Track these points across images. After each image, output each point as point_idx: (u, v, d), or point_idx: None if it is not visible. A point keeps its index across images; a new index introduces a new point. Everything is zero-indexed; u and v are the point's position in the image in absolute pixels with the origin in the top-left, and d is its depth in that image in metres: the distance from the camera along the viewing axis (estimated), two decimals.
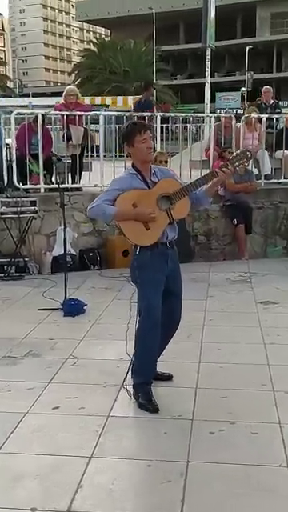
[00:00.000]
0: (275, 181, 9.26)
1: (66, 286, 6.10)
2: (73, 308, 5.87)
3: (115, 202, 3.66)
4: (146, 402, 3.74)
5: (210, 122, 9.43)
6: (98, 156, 8.99)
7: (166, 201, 3.69)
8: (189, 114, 10.00)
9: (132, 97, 14.04)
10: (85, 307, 5.98)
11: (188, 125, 10.47)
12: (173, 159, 9.46)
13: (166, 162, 7.95)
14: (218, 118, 9.83)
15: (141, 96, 11.41)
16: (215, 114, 10.18)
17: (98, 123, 8.96)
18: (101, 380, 4.19)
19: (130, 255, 3.91)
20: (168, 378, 4.18)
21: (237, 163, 3.79)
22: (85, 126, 8.86)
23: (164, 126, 10.65)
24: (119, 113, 9.23)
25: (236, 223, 8.50)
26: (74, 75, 51.02)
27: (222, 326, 5.50)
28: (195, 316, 5.74)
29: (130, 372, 3.94)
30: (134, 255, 3.76)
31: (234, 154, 3.89)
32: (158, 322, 3.77)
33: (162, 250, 3.74)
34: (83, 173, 8.81)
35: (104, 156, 8.61)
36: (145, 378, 3.83)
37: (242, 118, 9.41)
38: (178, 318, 4.03)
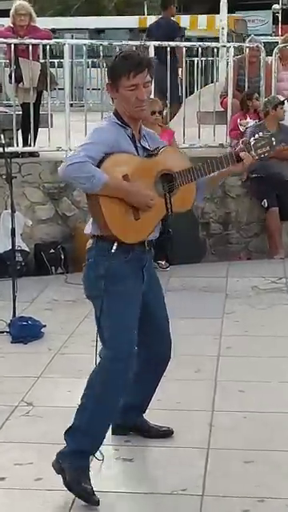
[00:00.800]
0: None
1: (14, 297, 6.09)
2: (25, 331, 5.88)
3: (101, 166, 3.52)
4: (80, 487, 3.54)
5: (228, 54, 9.45)
6: (61, 105, 8.98)
7: (165, 182, 3.66)
8: (196, 44, 10.00)
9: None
10: (42, 329, 5.97)
11: (195, 59, 10.51)
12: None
13: (161, 113, 7.94)
14: (238, 50, 9.86)
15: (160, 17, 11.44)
16: (235, 44, 10.19)
17: (61, 57, 8.98)
18: None
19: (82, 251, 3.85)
20: (166, 434, 4.18)
21: (260, 150, 3.74)
22: (42, 61, 8.84)
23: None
24: (93, 41, 9.17)
25: (266, 205, 8.55)
26: None
27: (244, 356, 5.52)
28: (207, 342, 5.75)
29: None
30: (95, 254, 3.68)
31: (257, 136, 3.79)
32: (131, 363, 3.67)
33: (138, 252, 3.69)
34: (40, 130, 8.81)
35: (71, 105, 8.62)
36: (91, 444, 3.65)
37: (275, 50, 9.46)
38: (167, 352, 4.04)
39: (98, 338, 3.71)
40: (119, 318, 3.64)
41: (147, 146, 3.69)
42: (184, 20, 22.59)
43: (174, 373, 5.10)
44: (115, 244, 3.60)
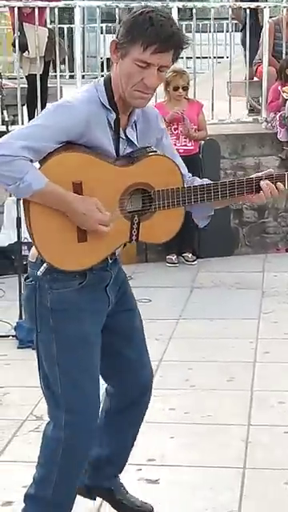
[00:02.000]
0: None
1: (20, 297, 6.09)
2: (33, 335, 5.83)
3: (45, 164, 2.96)
4: None
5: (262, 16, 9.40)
6: (72, 77, 8.98)
7: (137, 198, 3.13)
8: (226, 4, 9.95)
9: None
10: None
11: (225, 22, 10.45)
12: (198, 82, 9.44)
13: (186, 89, 7.90)
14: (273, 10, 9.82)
15: None
16: (271, 4, 10.11)
17: (72, 22, 8.97)
18: None
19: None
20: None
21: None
22: (50, 27, 8.84)
23: (184, 23, 10.67)
24: (109, 3, 9.14)
25: None
26: None
27: (285, 363, 5.49)
28: (240, 347, 5.74)
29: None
30: (38, 276, 3.10)
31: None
32: (94, 424, 3.24)
33: (99, 272, 3.18)
34: (48, 105, 8.78)
35: (83, 77, 8.61)
36: None
37: None
38: (146, 390, 3.49)
39: (44, 392, 3.29)
40: (74, 369, 3.14)
41: (134, 139, 3.12)
42: None
43: (204, 382, 5.14)
44: (44, 265, 3.07)
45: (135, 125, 3.13)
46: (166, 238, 3.21)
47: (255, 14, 9.60)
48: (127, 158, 3.08)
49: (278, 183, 3.18)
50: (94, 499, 3.65)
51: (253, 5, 9.59)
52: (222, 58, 12.84)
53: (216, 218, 8.50)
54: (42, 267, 3.06)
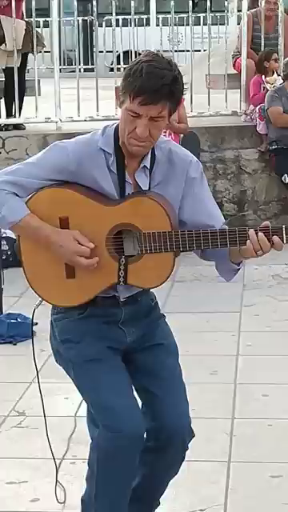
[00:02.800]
0: None
1: (0, 292, 6.07)
2: (14, 329, 5.87)
3: (33, 197, 3.02)
4: None
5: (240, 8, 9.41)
6: (50, 70, 8.94)
7: (129, 241, 3.09)
8: None
9: None
10: (34, 328, 5.92)
11: (201, 15, 10.43)
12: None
13: None
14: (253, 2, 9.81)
15: None
16: None
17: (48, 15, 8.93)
18: (63, 452, 4.15)
19: None
20: None
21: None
22: (27, 20, 8.78)
23: (161, 16, 10.66)
24: None
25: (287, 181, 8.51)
26: None
27: (268, 355, 5.50)
28: (223, 340, 5.75)
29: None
30: (51, 325, 3.23)
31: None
32: (137, 441, 3.09)
33: (106, 307, 3.14)
34: (26, 99, 8.79)
35: (60, 71, 8.57)
36: None
37: None
38: (173, 434, 3.21)
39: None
40: (94, 390, 3.12)
41: (145, 185, 3.06)
42: None
43: (187, 375, 5.04)
44: (39, 301, 3.15)
45: (150, 171, 3.07)
46: (156, 283, 3.10)
47: None
48: (132, 189, 3.06)
49: (274, 236, 3.06)
50: None
51: None
52: (199, 51, 12.83)
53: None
54: (38, 301, 3.12)
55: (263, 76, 8.85)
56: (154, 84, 2.88)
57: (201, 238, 3.06)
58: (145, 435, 3.15)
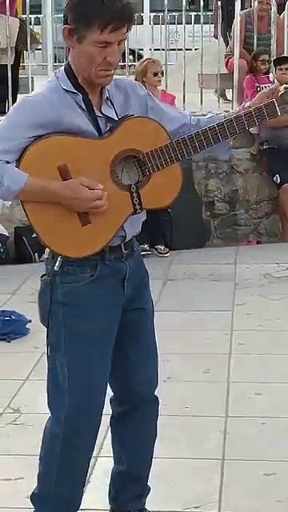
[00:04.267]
0: None
1: None
2: (7, 327, 5.87)
3: (23, 159, 2.93)
4: None
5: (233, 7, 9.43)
6: (43, 67, 8.92)
7: (131, 167, 3.06)
8: None
9: None
10: (28, 325, 5.95)
11: (192, 14, 10.42)
12: (170, 72, 9.45)
13: (161, 74, 7.96)
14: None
15: None
16: None
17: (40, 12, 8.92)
18: None
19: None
20: None
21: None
22: (21, 17, 8.79)
23: (152, 14, 10.66)
24: None
25: (279, 181, 8.54)
26: None
27: (260, 354, 5.52)
28: (215, 339, 5.76)
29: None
30: (51, 270, 3.07)
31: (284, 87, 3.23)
32: (100, 416, 3.20)
33: (113, 263, 3.10)
34: (19, 96, 8.73)
35: (55, 67, 8.54)
36: (65, 509, 3.31)
37: None
38: (152, 391, 3.39)
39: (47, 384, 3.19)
40: (84, 369, 3.09)
41: (113, 115, 3.03)
42: None
43: (180, 374, 5.15)
44: (58, 260, 3.03)
45: (110, 101, 3.05)
46: (171, 197, 3.09)
47: None
48: (106, 123, 3.02)
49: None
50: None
51: None
52: (190, 50, 12.84)
53: (188, 211, 8.53)
54: (58, 262, 3.01)
55: (255, 76, 8.87)
56: (118, 7, 2.83)
57: (202, 137, 3.04)
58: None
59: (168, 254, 7.91)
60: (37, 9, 10.91)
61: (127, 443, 3.40)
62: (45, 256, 3.18)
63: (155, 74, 7.87)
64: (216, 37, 10.15)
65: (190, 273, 7.40)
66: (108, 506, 3.56)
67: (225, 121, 3.07)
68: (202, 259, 7.88)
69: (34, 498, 3.38)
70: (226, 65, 9.64)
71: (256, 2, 9.50)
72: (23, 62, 9.25)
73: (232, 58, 9.34)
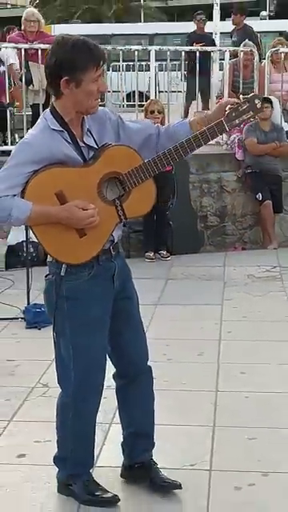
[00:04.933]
0: None
1: (28, 286, 6.06)
2: (39, 317, 5.83)
3: (26, 190, 2.97)
4: (97, 495, 3.32)
5: (224, 58, 9.41)
6: None
7: (113, 185, 3.09)
8: (193, 48, 9.93)
9: None
10: None
11: (176, 62, 10.38)
12: (172, 109, 9.42)
13: (160, 113, 7.91)
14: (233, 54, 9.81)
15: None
16: (231, 48, 10.14)
17: None
18: None
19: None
20: (170, 487, 3.43)
21: (239, 120, 3.14)
22: None
23: (157, 63, 10.64)
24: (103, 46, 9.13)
25: (260, 199, 8.51)
26: None
27: (244, 340, 5.51)
28: (208, 327, 5.75)
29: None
30: (55, 271, 3.12)
31: (238, 102, 3.19)
32: (101, 387, 3.28)
33: (105, 263, 3.15)
34: None
35: None
36: (82, 468, 3.36)
37: (267, 54, 9.41)
38: (145, 363, 3.43)
39: (56, 365, 3.29)
40: (86, 351, 3.15)
41: (93, 144, 3.08)
42: None
43: (178, 356, 5.13)
44: (63, 267, 3.07)
45: (90, 132, 3.09)
46: (148, 207, 3.15)
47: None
48: (88, 151, 3.07)
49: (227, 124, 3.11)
50: (133, 481, 3.47)
51: (210, 48, 9.71)
52: (180, 91, 12.82)
53: (186, 223, 8.49)
54: (63, 268, 3.06)
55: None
56: (100, 49, 2.98)
57: (168, 156, 3.08)
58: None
59: (169, 258, 7.88)
60: None
61: (132, 408, 3.46)
62: (48, 259, 3.18)
63: (152, 112, 7.81)
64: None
65: (187, 273, 7.39)
66: (119, 463, 3.56)
67: (184, 141, 3.08)
68: (197, 262, 7.85)
69: (55, 460, 3.45)
70: (218, 104, 9.57)
71: (242, 53, 9.48)
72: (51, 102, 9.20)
73: (222, 98, 9.30)
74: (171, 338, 5.44)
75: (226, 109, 3.14)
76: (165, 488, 3.40)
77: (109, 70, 10.40)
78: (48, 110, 3.09)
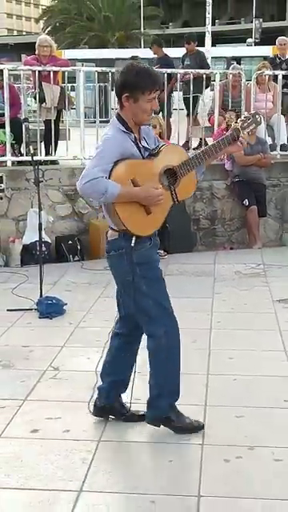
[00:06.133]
0: None
1: (41, 280, 6.06)
2: (50, 308, 5.84)
3: (112, 174, 3.36)
4: (189, 423, 3.72)
5: (215, 79, 9.39)
6: (77, 121, 8.91)
7: (168, 176, 3.52)
8: (189, 70, 9.91)
9: None
10: (64, 307, 5.95)
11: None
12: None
13: (156, 127, 7.87)
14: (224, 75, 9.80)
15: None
16: (221, 70, 10.12)
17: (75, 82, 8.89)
18: (88, 397, 4.13)
19: (104, 243, 3.67)
20: (142, 418, 3.79)
21: (248, 129, 3.64)
22: (61, 85, 8.78)
23: None
24: (103, 69, 9.12)
25: (247, 204, 8.51)
26: (42, 22, 50.63)
27: (232, 329, 5.51)
28: (200, 317, 5.74)
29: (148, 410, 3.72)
30: (124, 245, 3.49)
31: (242, 117, 3.76)
32: (177, 323, 3.70)
33: (154, 239, 3.59)
34: (59, 142, 8.76)
35: (85, 121, 8.54)
36: (176, 394, 3.72)
37: (253, 76, 9.40)
38: (140, 334, 3.83)
39: (140, 319, 3.59)
40: (161, 298, 3.60)
41: (147, 145, 3.52)
42: None
43: None
44: (133, 238, 3.45)
45: (144, 138, 3.54)
46: (192, 191, 3.67)
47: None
48: (151, 154, 3.51)
49: (243, 131, 3.63)
50: (107, 418, 3.85)
51: (202, 71, 9.69)
52: (183, 109, 12.82)
53: (181, 225, 8.42)
54: (133, 239, 3.45)
55: (227, 129, 8.80)
56: (159, 77, 3.53)
57: (204, 155, 3.56)
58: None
59: (166, 257, 7.85)
60: (73, 79, 10.80)
61: (129, 361, 3.80)
62: (110, 238, 3.54)
63: (154, 127, 7.82)
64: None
65: (182, 270, 7.38)
66: None
67: (215, 142, 3.64)
68: (191, 260, 7.84)
69: (151, 403, 3.70)
70: (209, 120, 9.59)
71: (231, 75, 9.47)
72: (62, 118, 9.18)
73: (213, 115, 9.29)
74: None
75: (238, 121, 3.70)
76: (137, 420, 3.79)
77: (112, 90, 10.36)
78: (114, 117, 3.52)
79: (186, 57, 11.19)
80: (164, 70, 8.87)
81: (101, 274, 7.12)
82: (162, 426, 3.71)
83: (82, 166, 8.26)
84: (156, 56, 11.44)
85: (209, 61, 12.67)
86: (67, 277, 7.13)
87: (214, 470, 3.40)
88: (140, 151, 3.47)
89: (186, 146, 9.24)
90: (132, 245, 3.44)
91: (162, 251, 7.89)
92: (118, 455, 3.56)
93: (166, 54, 11.38)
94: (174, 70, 9.79)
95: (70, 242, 7.95)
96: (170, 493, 3.20)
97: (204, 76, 9.29)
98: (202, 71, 9.71)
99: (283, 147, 9.16)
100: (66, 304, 5.97)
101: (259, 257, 7.95)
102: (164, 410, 3.68)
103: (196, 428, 3.70)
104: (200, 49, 12.36)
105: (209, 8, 12.28)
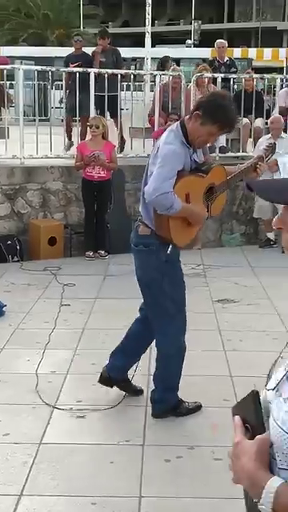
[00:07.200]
0: (232, 154, 9.40)
1: None
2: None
3: (174, 188, 3.60)
4: (191, 408, 4.02)
5: (155, 81, 9.43)
6: (16, 119, 8.81)
7: (208, 193, 3.82)
8: (129, 71, 9.93)
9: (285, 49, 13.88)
10: (3, 308, 5.87)
11: (124, 84, 10.33)
12: (111, 125, 9.39)
13: (99, 128, 7.86)
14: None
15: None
16: (161, 72, 10.16)
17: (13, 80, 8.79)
18: (29, 399, 4.12)
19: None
20: (139, 392, 4.26)
21: (267, 158, 4.06)
22: (0, 83, 8.68)
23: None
24: (43, 67, 9.03)
25: None
26: None
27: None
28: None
29: (154, 404, 4.01)
30: (157, 243, 3.73)
31: (266, 147, 4.24)
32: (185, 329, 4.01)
33: None
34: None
35: (24, 120, 8.45)
36: (178, 388, 4.02)
37: (193, 78, 9.47)
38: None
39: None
40: (179, 299, 3.86)
41: (197, 159, 3.76)
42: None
43: (116, 344, 5.05)
44: (170, 246, 3.70)
45: (196, 152, 3.75)
46: (221, 209, 3.98)
47: None
48: (201, 170, 3.75)
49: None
50: (111, 387, 4.20)
51: (142, 72, 9.68)
52: (123, 109, 12.80)
53: (121, 226, 8.41)
54: (170, 247, 3.70)
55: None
56: (233, 123, 3.77)
57: (237, 175, 3.87)
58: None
59: (107, 257, 7.86)
60: (12, 77, 10.74)
61: (143, 346, 4.27)
62: (142, 233, 3.78)
63: (90, 126, 7.85)
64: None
65: (123, 270, 7.23)
66: None
67: (246, 167, 3.89)
68: (131, 261, 7.70)
69: (162, 401, 3.96)
70: (149, 121, 9.62)
71: (171, 77, 9.53)
72: (1, 116, 9.06)
73: (153, 116, 9.33)
74: (109, 328, 5.42)
75: (261, 148, 4.11)
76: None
77: (52, 88, 10.27)
78: (178, 123, 3.74)
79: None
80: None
81: (40, 274, 7.07)
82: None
83: (21, 165, 8.19)
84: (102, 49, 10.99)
85: (148, 61, 12.69)
86: (6, 277, 7.04)
87: (154, 470, 3.42)
88: (191, 164, 3.73)
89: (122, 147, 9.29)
90: (168, 252, 3.70)
91: (103, 251, 7.91)
92: (58, 458, 3.54)
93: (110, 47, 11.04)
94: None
95: (9, 242, 7.84)
96: (112, 494, 3.21)
97: (119, 75, 9.16)
98: (142, 72, 9.73)
99: (221, 149, 9.27)
100: (5, 305, 5.90)
101: (199, 257, 7.99)
102: (170, 402, 3.97)
103: (197, 407, 4.04)
104: (141, 49, 12.36)
105: (148, 9, 12.21)
